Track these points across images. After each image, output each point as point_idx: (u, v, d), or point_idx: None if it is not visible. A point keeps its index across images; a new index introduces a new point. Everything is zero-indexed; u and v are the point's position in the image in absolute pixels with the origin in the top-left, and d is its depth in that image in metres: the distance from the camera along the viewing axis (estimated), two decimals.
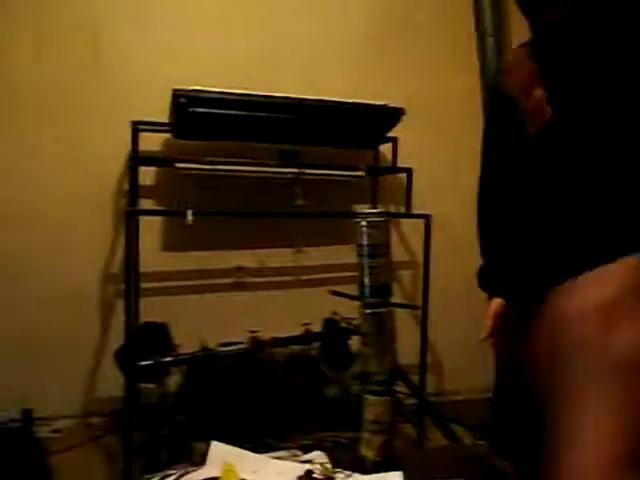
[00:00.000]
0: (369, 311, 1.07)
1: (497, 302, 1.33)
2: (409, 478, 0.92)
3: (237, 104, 2.31)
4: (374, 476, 0.94)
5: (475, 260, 1.33)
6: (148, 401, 2.33)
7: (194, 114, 2.26)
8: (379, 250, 1.07)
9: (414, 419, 2.65)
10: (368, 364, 1.09)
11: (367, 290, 1.07)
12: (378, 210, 1.11)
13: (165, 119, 2.47)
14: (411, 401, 2.68)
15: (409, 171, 2.72)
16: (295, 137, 2.54)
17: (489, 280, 1.31)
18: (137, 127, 2.47)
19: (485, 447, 1.31)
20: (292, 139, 2.56)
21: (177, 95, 2.24)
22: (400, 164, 2.80)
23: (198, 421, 2.29)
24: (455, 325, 2.85)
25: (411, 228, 2.91)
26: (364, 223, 1.07)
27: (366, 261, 1.06)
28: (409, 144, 2.78)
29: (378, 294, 1.07)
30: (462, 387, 3.11)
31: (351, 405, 2.65)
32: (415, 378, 2.67)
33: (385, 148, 2.88)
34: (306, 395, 2.57)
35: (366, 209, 1.09)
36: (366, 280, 1.07)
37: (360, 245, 1.07)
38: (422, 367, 2.70)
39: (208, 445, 1.11)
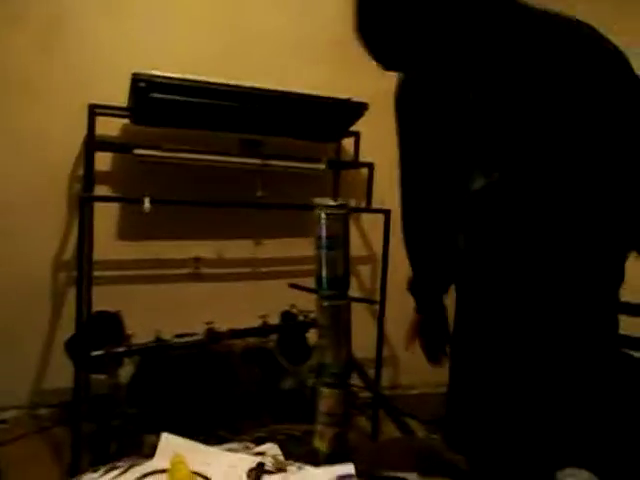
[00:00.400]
0: (326, 303, 1.06)
1: (418, 316, 1.42)
2: (361, 470, 0.92)
3: (199, 91, 2.26)
4: (325, 468, 0.93)
5: None
6: (98, 392, 2.28)
7: (154, 100, 2.21)
8: (337, 242, 1.06)
9: (368, 412, 2.68)
10: (323, 356, 1.09)
11: (324, 282, 1.07)
12: (337, 202, 1.10)
13: (124, 104, 2.40)
14: (366, 394, 2.70)
15: (370, 166, 2.73)
16: (257, 128, 2.51)
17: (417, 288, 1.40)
18: (94, 111, 2.40)
19: (438, 440, 1.33)
20: (254, 129, 2.52)
21: (137, 79, 2.17)
22: (362, 159, 2.81)
23: (150, 413, 2.25)
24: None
25: (371, 223, 2.92)
26: (323, 215, 1.06)
27: (324, 253, 1.05)
28: (371, 139, 2.79)
29: (335, 286, 1.07)
30: (417, 381, 3.16)
31: (307, 398, 2.65)
32: (371, 372, 2.69)
33: (347, 142, 2.88)
34: (262, 388, 2.56)
35: (325, 201, 1.07)
36: (324, 272, 1.06)
37: (319, 237, 1.06)
38: (378, 361, 2.72)
39: (159, 437, 1.08)
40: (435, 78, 0.98)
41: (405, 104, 1.20)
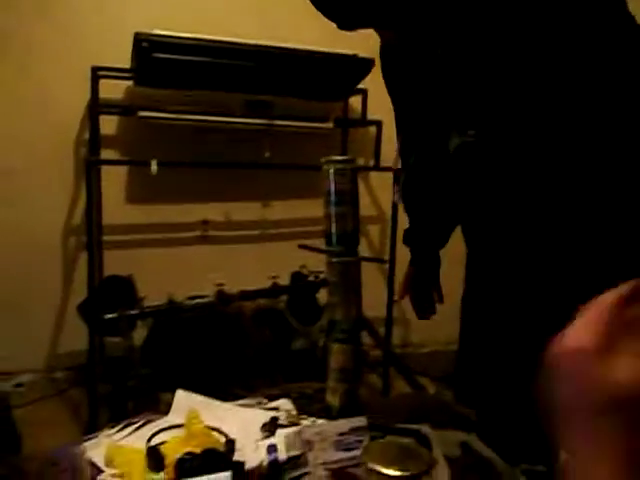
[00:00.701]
0: (335, 260, 1.06)
1: (411, 269, 1.42)
2: (373, 423, 0.93)
3: (203, 50, 2.22)
4: (338, 421, 0.94)
5: None
6: (113, 354, 2.32)
7: (157, 60, 2.17)
8: (346, 198, 1.05)
9: (379, 370, 2.71)
10: (334, 313, 1.09)
11: (334, 238, 1.06)
12: (345, 157, 1.09)
13: (127, 65, 2.36)
14: (377, 352, 2.73)
15: (379, 124, 2.69)
16: (263, 87, 2.47)
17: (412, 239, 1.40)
18: (97, 73, 2.36)
19: (449, 396, 1.34)
20: (260, 89, 2.48)
21: (139, 39, 2.14)
22: (370, 117, 2.76)
23: (164, 373, 2.28)
24: None
25: (380, 182, 2.89)
26: (331, 170, 1.05)
27: (333, 209, 1.05)
28: (379, 96, 2.72)
29: (344, 243, 1.06)
30: (427, 339, 3.18)
31: (318, 358, 2.69)
32: (381, 330, 2.71)
33: (354, 100, 2.83)
34: (273, 348, 2.59)
35: (333, 157, 1.06)
36: (333, 228, 1.06)
37: (327, 193, 1.05)
38: (388, 319, 2.74)
39: (174, 395, 1.10)
40: (400, 35, 0.96)
41: (386, 67, 1.22)
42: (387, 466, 0.66)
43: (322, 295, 2.76)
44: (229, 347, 2.46)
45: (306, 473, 0.84)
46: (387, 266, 2.73)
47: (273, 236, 2.89)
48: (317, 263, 2.66)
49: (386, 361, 2.61)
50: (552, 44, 0.84)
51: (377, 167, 2.71)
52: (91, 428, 2.14)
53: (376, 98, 2.75)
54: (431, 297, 1.42)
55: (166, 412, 1.06)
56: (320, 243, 2.88)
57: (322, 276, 2.64)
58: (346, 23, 0.93)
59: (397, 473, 0.65)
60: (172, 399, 1.09)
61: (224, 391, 1.15)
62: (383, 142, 2.72)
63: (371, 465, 0.66)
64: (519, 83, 0.88)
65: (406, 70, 1.11)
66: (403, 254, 2.68)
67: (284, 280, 2.65)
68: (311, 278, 2.66)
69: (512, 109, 0.91)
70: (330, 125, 2.62)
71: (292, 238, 2.82)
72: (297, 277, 2.68)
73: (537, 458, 0.92)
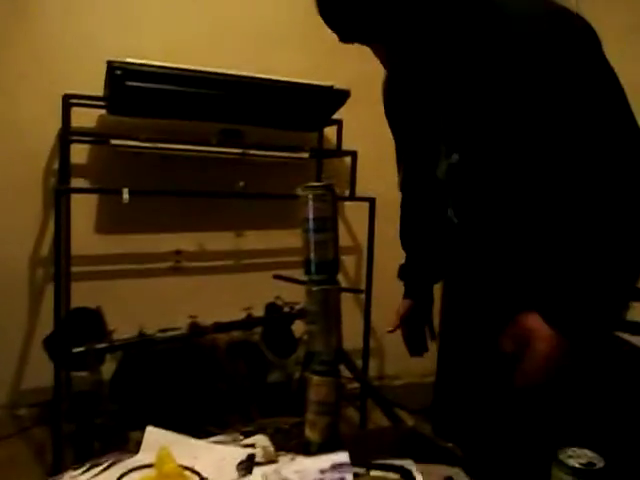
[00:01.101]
0: (315, 288, 1.03)
1: (405, 302, 1.39)
2: (355, 458, 0.89)
3: (177, 79, 2.21)
4: (319, 457, 0.90)
5: None
6: (80, 390, 2.22)
7: (130, 88, 2.15)
8: (326, 225, 1.02)
9: (356, 403, 2.65)
10: (313, 344, 1.05)
11: (313, 267, 1.03)
12: (325, 183, 1.07)
13: (99, 93, 2.33)
14: (353, 385, 2.67)
15: (354, 154, 2.69)
16: (237, 117, 2.46)
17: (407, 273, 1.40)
18: (69, 101, 2.32)
19: (427, 429, 1.31)
20: (234, 119, 2.47)
21: (112, 67, 2.11)
22: (345, 147, 2.77)
23: (134, 410, 2.20)
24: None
25: (354, 213, 2.89)
26: (310, 196, 1.02)
27: (312, 236, 1.02)
28: (354, 127, 2.76)
29: (324, 271, 1.03)
30: (402, 371, 3.14)
31: (293, 391, 2.62)
32: (358, 363, 2.67)
33: (329, 131, 2.84)
34: (247, 381, 2.52)
35: (312, 183, 1.04)
36: (312, 256, 1.03)
37: (306, 219, 1.02)
38: (365, 351, 2.70)
39: (144, 432, 1.04)
40: (393, 54, 0.99)
41: (387, 98, 1.24)
42: None
43: (297, 327, 2.72)
44: (202, 381, 2.39)
45: None
46: (363, 297, 2.71)
47: (247, 266, 2.85)
48: (292, 294, 2.63)
49: (363, 393, 2.56)
50: (522, 86, 0.89)
51: (352, 197, 2.71)
52: (55, 469, 2.04)
53: (351, 129, 2.77)
54: (424, 333, 1.39)
55: (135, 451, 1.01)
56: (295, 273, 2.87)
57: (297, 307, 2.60)
58: (348, 35, 0.94)
59: None
60: (142, 437, 1.04)
61: (197, 428, 1.10)
62: (358, 172, 2.72)
63: None
64: (497, 114, 0.93)
65: (402, 100, 1.17)
66: (378, 285, 2.69)
67: (258, 311, 2.60)
68: (286, 309, 2.62)
69: (490, 136, 0.95)
70: (305, 155, 2.61)
71: (266, 269, 2.79)
72: (272, 308, 2.64)
73: None
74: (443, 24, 0.93)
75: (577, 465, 0.72)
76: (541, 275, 0.97)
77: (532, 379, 0.93)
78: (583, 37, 0.89)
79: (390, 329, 1.39)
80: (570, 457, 0.73)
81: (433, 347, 1.38)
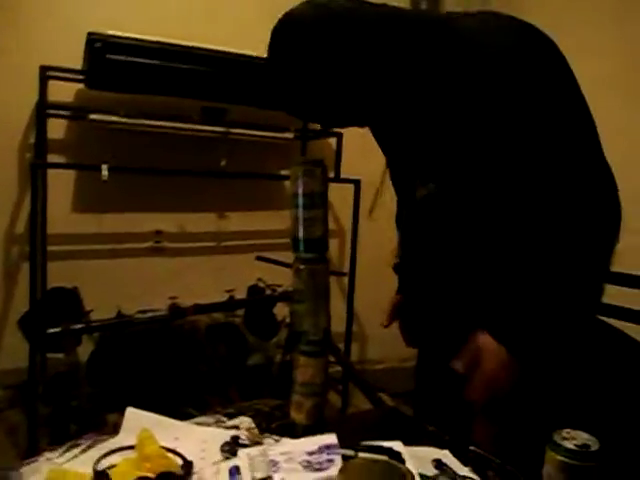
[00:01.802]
0: (303, 266, 1.00)
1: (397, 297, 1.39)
2: (341, 440, 0.87)
3: (160, 53, 2.15)
4: (306, 439, 0.87)
5: None
6: (57, 371, 2.17)
7: (110, 61, 2.08)
8: (316, 201, 0.99)
9: (338, 387, 2.65)
10: (300, 323, 1.02)
11: (301, 244, 1.00)
12: (315, 159, 1.03)
13: (78, 66, 2.25)
14: (335, 369, 2.66)
15: (339, 136, 2.65)
16: (221, 95, 2.40)
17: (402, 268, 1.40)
18: (46, 73, 2.24)
19: (409, 412, 1.30)
20: (218, 97, 2.41)
21: (92, 39, 2.05)
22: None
23: (111, 392, 2.15)
24: (380, 294, 2.85)
25: (338, 196, 2.85)
26: (300, 172, 0.99)
27: (301, 212, 0.98)
28: None
29: (313, 249, 1.00)
30: (384, 356, 3.14)
31: (274, 374, 2.61)
32: (340, 346, 2.65)
33: None
34: (228, 364, 2.50)
35: (302, 158, 1.01)
36: (300, 233, 0.99)
37: (295, 195, 0.99)
38: (348, 335, 2.69)
39: (122, 416, 1.01)
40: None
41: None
42: None
43: (279, 309, 2.69)
44: (182, 363, 2.35)
45: None
46: (347, 281, 2.68)
47: (229, 248, 2.80)
48: (274, 276, 2.60)
49: (346, 377, 2.55)
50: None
51: (337, 179, 2.67)
52: (30, 452, 1.99)
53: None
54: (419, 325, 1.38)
55: (113, 434, 0.97)
56: (278, 256, 2.83)
57: (280, 290, 2.58)
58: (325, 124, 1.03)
59: None
60: (120, 420, 1.00)
61: (176, 410, 1.06)
62: (343, 154, 2.69)
63: None
64: (464, 146, 0.97)
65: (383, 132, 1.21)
66: (362, 267, 2.67)
67: (240, 294, 2.56)
68: (268, 292, 2.59)
69: (462, 168, 1.00)
70: (290, 136, 2.56)
71: (249, 251, 2.75)
72: (254, 290, 2.60)
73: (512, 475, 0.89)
74: (410, 71, 0.97)
75: (572, 447, 0.70)
76: (492, 293, 1.01)
77: (480, 396, 0.97)
78: (551, 58, 0.92)
79: (385, 324, 1.38)
80: (565, 439, 0.72)
81: None
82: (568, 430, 0.73)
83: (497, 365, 0.93)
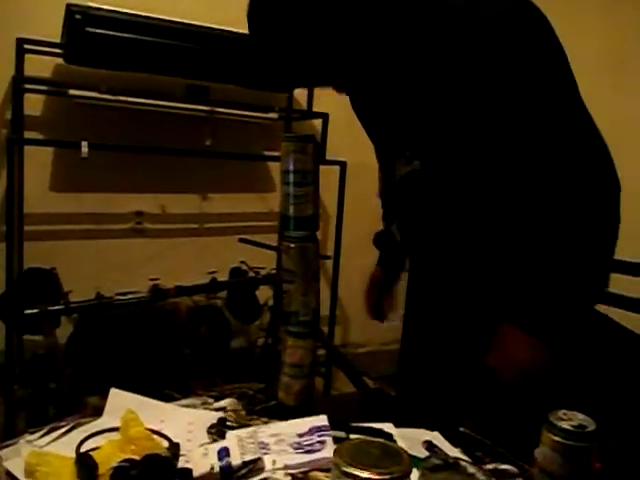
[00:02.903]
0: (293, 245, 0.98)
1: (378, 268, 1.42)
2: (329, 423, 0.85)
3: (142, 28, 2.08)
4: (296, 421, 0.86)
5: None
6: (35, 353, 2.13)
7: (90, 35, 2.01)
8: (307, 178, 0.97)
9: (321, 369, 2.64)
10: (289, 304, 1.01)
11: (291, 222, 0.98)
12: (307, 134, 1.01)
13: (57, 39, 2.17)
14: (318, 352, 2.66)
15: (325, 116, 2.62)
16: (204, 72, 2.34)
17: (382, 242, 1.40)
18: (23, 46, 2.16)
19: (393, 394, 1.29)
20: (202, 74, 2.35)
21: (72, 12, 1.97)
22: (315, 109, 2.69)
23: (91, 374, 2.12)
24: (363, 277, 2.84)
25: (324, 177, 2.82)
26: (292, 147, 0.96)
27: (292, 189, 0.96)
28: (326, 89, 2.67)
29: (304, 227, 0.98)
30: (366, 339, 3.14)
31: (256, 358, 2.59)
32: (324, 330, 2.64)
33: (300, 93, 2.75)
34: (210, 347, 2.47)
35: (294, 133, 0.98)
36: (291, 211, 0.97)
37: (286, 171, 0.97)
38: (331, 318, 2.68)
39: (103, 399, 0.98)
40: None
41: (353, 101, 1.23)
42: (365, 469, 0.58)
43: (262, 292, 2.67)
44: (163, 346, 2.32)
45: (263, 479, 0.75)
46: (331, 263, 2.67)
47: (211, 230, 2.76)
48: (257, 259, 2.57)
49: (329, 360, 2.54)
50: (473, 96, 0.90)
51: (323, 161, 2.64)
52: (7, 434, 1.95)
53: (322, 90, 2.69)
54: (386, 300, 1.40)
55: (94, 416, 0.94)
56: (261, 239, 2.79)
57: (263, 272, 2.55)
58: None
59: (379, 477, 0.57)
60: (100, 403, 0.98)
61: (159, 393, 1.04)
62: (329, 135, 2.65)
63: (346, 468, 0.58)
64: (449, 121, 0.95)
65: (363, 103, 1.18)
66: (345, 250, 2.65)
67: (223, 276, 2.53)
68: (251, 274, 2.56)
69: (448, 145, 0.97)
70: (274, 116, 2.52)
71: (231, 233, 2.71)
72: (236, 273, 2.57)
73: (503, 456, 0.89)
74: (392, 38, 0.94)
75: (568, 427, 0.70)
76: (506, 274, 0.98)
77: (516, 380, 0.96)
78: (538, 27, 0.89)
79: (369, 307, 1.41)
80: (561, 419, 0.71)
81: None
82: (564, 411, 0.72)
83: (526, 348, 0.92)
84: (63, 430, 0.88)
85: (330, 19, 0.91)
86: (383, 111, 1.08)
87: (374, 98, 1.09)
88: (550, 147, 0.89)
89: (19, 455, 0.80)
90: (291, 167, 0.95)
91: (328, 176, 2.63)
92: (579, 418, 0.71)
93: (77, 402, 1.99)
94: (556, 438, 0.70)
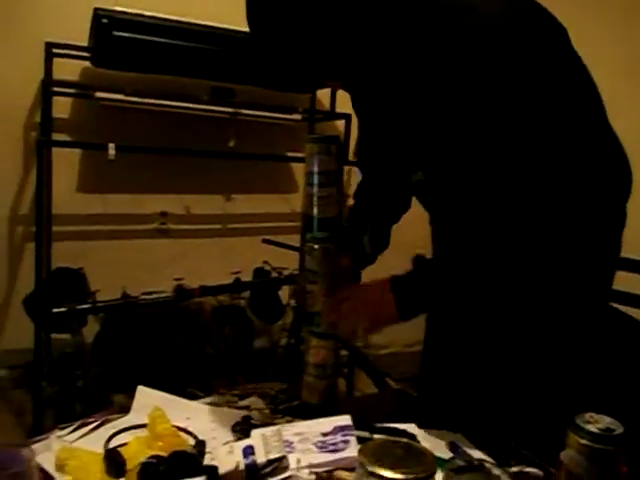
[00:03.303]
0: (317, 246, 0.98)
1: None
2: (356, 423, 0.86)
3: (168, 31, 2.11)
4: (320, 420, 0.86)
5: None
6: (62, 352, 2.17)
7: (117, 39, 2.04)
8: (331, 179, 0.97)
9: (343, 370, 2.64)
10: (313, 304, 1.01)
11: (315, 223, 0.98)
12: (332, 135, 1.01)
13: (84, 43, 2.21)
14: (340, 353, 2.66)
15: (348, 117, 2.62)
16: (229, 74, 2.36)
17: None
18: (52, 50, 2.20)
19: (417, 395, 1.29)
20: (226, 76, 2.37)
21: (99, 15, 2.01)
22: (338, 110, 2.69)
23: (117, 373, 2.15)
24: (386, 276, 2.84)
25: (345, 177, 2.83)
26: (315, 148, 0.97)
27: (315, 190, 0.97)
28: None
29: (327, 228, 0.98)
30: (389, 341, 3.14)
31: (278, 358, 2.60)
32: None
33: (322, 94, 2.76)
34: (233, 346, 2.49)
35: (318, 134, 0.98)
36: (314, 211, 0.98)
37: (310, 173, 0.97)
38: None
39: (129, 397, 1.00)
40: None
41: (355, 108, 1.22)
42: (390, 468, 0.58)
43: (284, 293, 2.68)
44: (187, 345, 2.34)
45: (288, 477, 0.76)
46: None
47: (235, 231, 2.78)
48: (280, 260, 2.58)
49: (352, 361, 2.54)
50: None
51: (346, 161, 2.64)
52: (35, 431, 1.99)
53: (345, 92, 2.69)
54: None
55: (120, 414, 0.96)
56: (284, 239, 2.80)
57: (285, 273, 2.56)
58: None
59: (403, 476, 0.57)
60: (126, 401, 0.99)
61: (182, 392, 1.05)
62: (351, 137, 2.65)
63: (371, 468, 0.58)
64: (460, 131, 0.90)
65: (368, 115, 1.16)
66: None
67: (246, 277, 2.55)
68: (274, 274, 2.58)
69: (446, 158, 0.94)
70: (297, 117, 2.53)
71: (255, 234, 2.73)
72: (260, 273, 2.59)
73: (527, 459, 0.88)
74: (397, 44, 0.89)
75: (595, 430, 0.69)
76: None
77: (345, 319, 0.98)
78: (551, 38, 0.85)
79: None
80: (588, 422, 0.70)
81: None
82: (591, 414, 0.72)
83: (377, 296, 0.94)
84: (92, 426, 0.90)
85: (327, 18, 0.86)
86: (385, 122, 1.06)
87: (377, 109, 1.08)
88: (558, 141, 0.86)
89: (50, 450, 0.82)
90: (315, 168, 0.96)
91: (350, 177, 2.64)
92: (606, 421, 0.70)
93: (103, 400, 2.03)
94: (583, 441, 0.69)
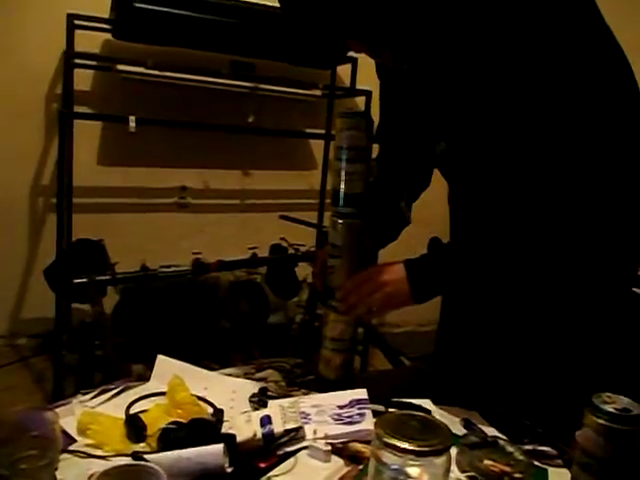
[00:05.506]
0: (341, 221, 0.98)
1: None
2: (372, 398, 0.87)
3: (189, 3, 2.08)
4: (337, 393, 0.87)
5: None
6: (84, 321, 2.20)
7: (138, 10, 2.03)
8: (360, 155, 0.97)
9: (358, 347, 2.66)
10: (333, 279, 1.01)
11: (341, 198, 0.98)
12: (363, 111, 1.00)
13: (105, 15, 2.21)
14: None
15: (368, 94, 2.59)
16: (249, 48, 2.34)
17: None
18: (74, 22, 2.20)
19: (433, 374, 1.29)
20: (247, 51, 2.35)
21: None
22: (359, 86, 2.66)
23: (135, 343, 2.18)
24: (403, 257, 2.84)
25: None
26: (346, 124, 0.96)
27: (344, 166, 0.96)
28: (369, 66, 2.63)
29: (353, 204, 0.98)
30: (402, 319, 3.14)
31: (293, 334, 2.62)
32: None
33: (343, 70, 2.73)
34: (249, 321, 2.51)
35: (350, 109, 0.98)
36: (342, 187, 0.97)
37: (339, 147, 0.97)
38: None
39: (147, 367, 1.02)
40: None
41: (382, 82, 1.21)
42: (406, 440, 0.58)
43: (301, 269, 2.69)
44: (204, 318, 2.37)
45: (304, 447, 0.77)
46: None
47: (253, 206, 2.79)
48: (297, 236, 2.58)
49: (366, 339, 2.56)
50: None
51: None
52: (56, 397, 2.04)
53: (366, 68, 2.65)
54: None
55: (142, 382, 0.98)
56: (301, 216, 2.79)
57: (302, 249, 2.57)
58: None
59: (419, 449, 0.58)
60: (143, 371, 1.01)
61: (198, 364, 1.07)
62: (372, 113, 2.63)
63: (387, 439, 0.59)
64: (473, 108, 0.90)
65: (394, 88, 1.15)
66: None
67: (263, 252, 2.56)
68: (291, 251, 2.58)
69: (471, 125, 0.92)
70: (318, 93, 2.51)
71: (272, 210, 2.73)
72: (276, 249, 2.60)
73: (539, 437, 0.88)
74: (428, 17, 0.87)
75: (613, 410, 0.69)
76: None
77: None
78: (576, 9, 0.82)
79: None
80: (605, 402, 0.70)
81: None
82: (608, 394, 0.72)
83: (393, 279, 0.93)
84: (113, 392, 0.92)
85: None
86: (410, 85, 1.04)
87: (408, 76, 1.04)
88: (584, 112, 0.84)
89: (72, 414, 0.84)
90: (344, 143, 0.95)
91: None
92: (624, 402, 0.70)
93: (122, 369, 2.06)
94: (600, 421, 0.69)
